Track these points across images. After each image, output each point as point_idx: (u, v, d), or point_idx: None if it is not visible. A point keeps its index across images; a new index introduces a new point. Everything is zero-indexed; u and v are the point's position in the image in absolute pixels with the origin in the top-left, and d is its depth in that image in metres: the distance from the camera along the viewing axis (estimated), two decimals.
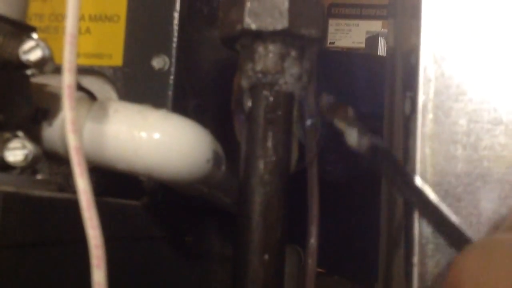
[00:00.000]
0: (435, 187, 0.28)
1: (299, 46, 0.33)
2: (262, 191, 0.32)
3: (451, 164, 0.28)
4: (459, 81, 0.29)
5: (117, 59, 0.44)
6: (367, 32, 1.87)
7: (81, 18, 0.45)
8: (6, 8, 0.30)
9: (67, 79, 0.26)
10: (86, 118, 0.34)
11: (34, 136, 0.33)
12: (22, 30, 0.31)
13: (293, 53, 0.33)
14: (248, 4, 0.32)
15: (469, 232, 0.27)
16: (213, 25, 0.50)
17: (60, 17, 0.46)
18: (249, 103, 0.33)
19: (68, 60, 0.26)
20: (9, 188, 0.25)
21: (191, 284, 0.50)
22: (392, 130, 0.46)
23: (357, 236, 0.81)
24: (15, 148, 0.29)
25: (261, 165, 0.33)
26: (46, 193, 0.28)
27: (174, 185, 0.39)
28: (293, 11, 0.32)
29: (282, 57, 0.33)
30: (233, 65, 0.55)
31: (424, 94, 0.28)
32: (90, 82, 0.43)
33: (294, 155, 0.35)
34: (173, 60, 0.44)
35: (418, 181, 0.28)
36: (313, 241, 0.36)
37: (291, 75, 0.33)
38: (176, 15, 0.44)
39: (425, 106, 0.28)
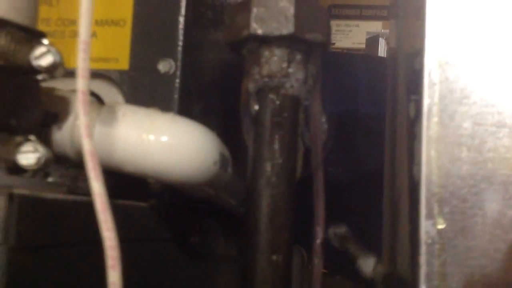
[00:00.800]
0: (440, 188, 0.28)
1: (304, 50, 0.34)
2: (270, 193, 0.33)
3: (456, 166, 0.28)
4: (463, 84, 0.29)
5: (124, 63, 0.45)
6: (368, 33, 1.87)
7: None
8: (17, 15, 0.31)
9: (81, 85, 0.27)
10: (96, 122, 0.34)
11: (44, 139, 0.34)
12: (33, 36, 0.31)
13: (299, 57, 0.34)
14: (254, 10, 0.33)
15: (475, 233, 0.28)
16: (217, 29, 0.51)
17: (66, 22, 0.47)
18: (256, 107, 0.34)
19: (81, 66, 0.27)
20: (24, 191, 0.25)
21: (196, 285, 0.50)
22: (394, 131, 0.47)
23: (360, 236, 0.82)
24: (27, 152, 0.30)
25: (268, 167, 0.33)
26: (59, 196, 0.29)
27: (182, 187, 0.39)
28: (299, 16, 0.33)
29: (288, 61, 0.34)
30: (237, 69, 0.55)
31: (429, 98, 0.29)
32: (97, 86, 0.44)
33: (300, 158, 0.36)
34: (179, 63, 0.44)
35: None
36: (319, 241, 0.37)
37: (296, 79, 0.34)
38: (181, 19, 0.44)
39: (430, 110, 0.29)
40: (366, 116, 0.87)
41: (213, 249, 0.54)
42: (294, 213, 0.33)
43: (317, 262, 0.38)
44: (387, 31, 1.88)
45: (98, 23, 0.45)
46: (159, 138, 0.36)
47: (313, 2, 0.34)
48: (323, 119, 0.37)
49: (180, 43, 0.44)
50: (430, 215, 0.28)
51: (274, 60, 0.33)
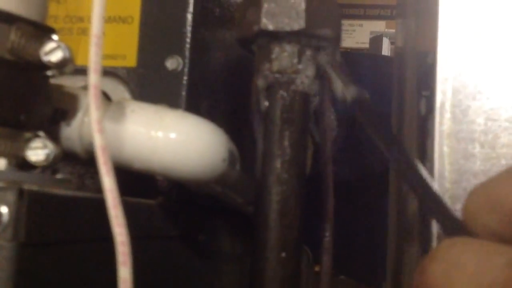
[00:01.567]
0: (453, 184, 0.28)
1: (315, 46, 0.34)
2: (279, 190, 0.33)
3: (469, 162, 0.28)
4: (477, 80, 0.29)
5: (131, 60, 0.45)
6: (371, 32, 1.87)
7: None
8: (27, 10, 0.30)
9: (93, 79, 0.26)
10: (104, 118, 0.34)
11: (53, 136, 0.34)
12: (43, 31, 0.31)
13: (309, 53, 0.34)
14: (265, 5, 0.33)
15: None
16: (224, 26, 0.51)
17: (74, 19, 0.46)
18: (265, 103, 0.34)
19: (93, 60, 0.26)
20: (34, 187, 0.25)
21: (203, 283, 0.50)
22: (401, 129, 0.46)
23: (364, 236, 0.82)
24: (36, 148, 0.30)
25: (278, 164, 0.33)
26: (69, 192, 0.28)
27: (190, 184, 0.39)
28: (310, 12, 0.33)
29: (299, 57, 0.33)
30: (245, 66, 0.55)
31: (442, 93, 0.29)
32: (105, 83, 0.44)
33: (310, 156, 0.36)
34: (187, 61, 0.44)
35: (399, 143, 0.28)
36: (328, 238, 0.37)
37: (306, 75, 0.34)
38: (189, 16, 0.44)
39: (442, 105, 0.29)
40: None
41: (219, 247, 0.54)
42: (303, 210, 0.33)
43: (326, 259, 0.37)
44: (391, 30, 1.88)
45: (106, 20, 0.45)
46: (168, 135, 0.35)
47: None
48: (333, 116, 0.37)
49: (188, 40, 0.44)
50: None
51: (284, 56, 0.33)
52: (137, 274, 0.33)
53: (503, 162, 0.28)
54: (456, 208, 0.28)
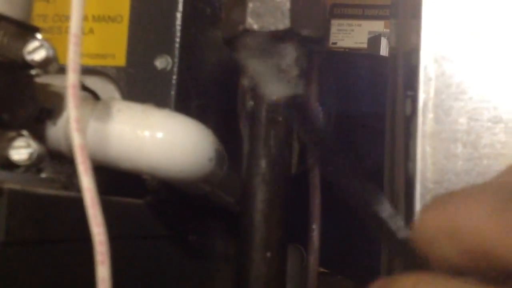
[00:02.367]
0: (435, 185, 0.28)
1: (300, 46, 0.34)
2: (265, 189, 0.33)
3: (451, 162, 0.28)
4: (459, 80, 0.29)
5: (121, 59, 0.45)
6: (370, 32, 1.87)
7: (85, 18, 0.45)
8: (10, 9, 0.30)
9: (71, 79, 0.26)
10: (90, 117, 0.34)
11: (39, 135, 0.34)
12: (27, 30, 0.31)
13: (294, 53, 0.34)
14: (250, 5, 0.33)
15: None
16: (215, 26, 0.50)
17: (63, 18, 0.46)
18: (251, 103, 0.34)
19: (72, 59, 0.26)
20: (14, 186, 0.25)
21: (194, 283, 0.50)
22: (394, 130, 0.46)
23: (360, 236, 0.82)
24: (19, 147, 0.30)
25: (263, 164, 0.33)
26: (51, 191, 0.28)
27: (177, 184, 0.39)
28: (295, 12, 0.33)
29: (284, 57, 0.33)
30: (235, 66, 0.55)
31: (425, 93, 0.29)
32: (94, 82, 0.44)
33: (296, 155, 0.36)
34: (176, 60, 0.44)
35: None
36: (314, 239, 0.37)
37: (292, 75, 0.34)
38: (178, 15, 0.44)
39: (425, 105, 0.29)
40: (367, 115, 0.87)
41: (211, 247, 0.54)
42: (289, 209, 0.33)
43: (313, 259, 0.37)
44: (389, 30, 1.87)
45: (95, 19, 0.45)
46: (154, 134, 0.35)
47: None
48: (320, 116, 0.37)
49: (178, 40, 0.44)
50: None
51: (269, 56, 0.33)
52: (126, 273, 0.33)
53: (485, 162, 0.28)
54: None
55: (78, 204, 0.29)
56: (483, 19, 0.29)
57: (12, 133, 0.30)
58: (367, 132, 0.88)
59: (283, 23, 0.32)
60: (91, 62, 0.44)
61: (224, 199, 0.47)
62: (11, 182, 0.26)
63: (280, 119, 0.33)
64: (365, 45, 1.83)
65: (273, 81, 0.29)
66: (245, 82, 0.34)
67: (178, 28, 0.44)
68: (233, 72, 0.54)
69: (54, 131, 0.35)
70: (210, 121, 0.41)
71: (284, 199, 0.33)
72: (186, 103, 0.45)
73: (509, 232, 0.16)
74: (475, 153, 0.28)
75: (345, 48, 1.83)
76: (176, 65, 0.44)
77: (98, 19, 0.45)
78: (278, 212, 0.33)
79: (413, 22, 0.31)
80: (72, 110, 0.26)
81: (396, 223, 0.21)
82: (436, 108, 0.28)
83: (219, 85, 0.51)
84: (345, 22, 1.90)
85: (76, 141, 0.26)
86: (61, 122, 0.35)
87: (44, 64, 0.30)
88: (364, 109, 0.89)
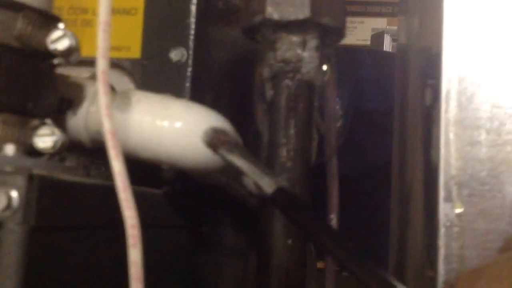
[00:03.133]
0: (459, 171, 0.28)
1: (320, 36, 0.34)
2: (285, 178, 0.33)
3: (475, 149, 0.28)
4: (483, 66, 0.29)
5: (136, 52, 0.45)
6: (373, 29, 1.87)
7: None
8: None
9: (101, 65, 0.27)
10: (111, 108, 0.34)
11: (59, 125, 0.34)
12: (49, 20, 0.31)
13: (314, 42, 0.34)
14: None
15: (494, 215, 0.28)
16: (228, 19, 0.51)
17: (78, 11, 0.46)
18: (270, 92, 0.34)
19: (101, 46, 0.26)
20: (43, 172, 0.25)
21: (205, 274, 0.50)
22: (404, 124, 0.47)
23: (366, 231, 0.82)
24: (44, 135, 0.30)
25: (283, 152, 0.33)
26: (78, 178, 0.29)
27: (195, 173, 0.39)
28: (315, 1, 0.33)
29: (303, 46, 0.34)
30: (248, 59, 0.55)
31: (447, 81, 0.29)
32: (109, 75, 0.44)
33: (315, 147, 0.36)
34: (191, 52, 0.44)
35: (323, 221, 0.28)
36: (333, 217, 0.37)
37: (311, 64, 0.34)
38: (193, 8, 0.44)
39: (448, 93, 0.29)
40: (372, 110, 0.87)
41: (222, 240, 0.54)
42: (309, 198, 0.33)
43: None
44: (393, 27, 1.87)
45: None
46: (173, 124, 0.36)
47: None
48: (338, 106, 0.37)
49: (192, 32, 0.44)
50: (448, 198, 0.28)
51: (289, 46, 0.33)
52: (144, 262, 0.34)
53: (509, 148, 0.28)
54: (463, 194, 0.28)
55: (103, 191, 0.29)
56: (505, 8, 0.29)
57: (36, 121, 0.30)
58: (372, 128, 0.88)
59: (303, 12, 0.33)
60: None
61: (238, 190, 0.48)
62: (38, 168, 0.26)
63: (300, 108, 0.33)
64: (368, 42, 1.83)
65: None
66: (264, 71, 0.34)
67: (193, 20, 0.44)
68: (246, 64, 0.54)
69: (74, 122, 0.35)
70: (223, 113, 0.41)
71: (305, 186, 0.33)
72: (200, 95, 0.45)
73: None
74: (499, 140, 0.28)
75: (348, 46, 1.83)
76: (191, 57, 0.44)
77: (113, 11, 0.44)
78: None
79: (433, 15, 0.31)
80: (102, 96, 0.26)
81: None
82: (459, 95, 0.29)
83: (232, 78, 0.51)
84: (347, 19, 1.90)
85: (107, 126, 0.26)
86: (81, 112, 0.36)
87: (67, 54, 0.30)
88: (369, 105, 0.90)
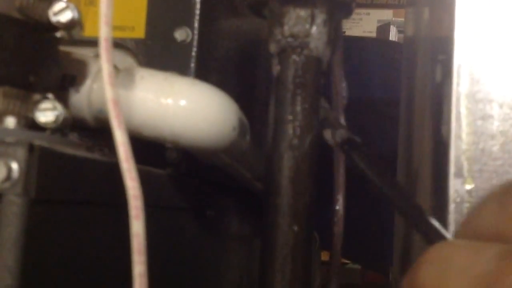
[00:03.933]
0: (470, 146, 0.28)
1: (329, 10, 0.33)
2: (291, 156, 0.32)
3: (486, 123, 0.28)
4: (494, 40, 0.28)
5: (140, 32, 0.44)
6: (378, 21, 1.86)
7: None
8: None
9: (104, 32, 0.26)
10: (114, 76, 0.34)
11: (61, 102, 0.33)
12: None
13: (322, 18, 0.33)
14: None
15: None
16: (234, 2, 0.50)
17: None
18: (277, 68, 0.33)
19: (104, 13, 0.26)
20: (45, 144, 0.25)
21: (210, 258, 0.50)
22: (411, 112, 0.46)
23: (371, 222, 0.81)
24: (46, 109, 0.29)
25: (290, 129, 0.32)
26: (80, 152, 0.28)
27: (200, 153, 0.39)
28: None
29: (311, 22, 0.33)
30: (253, 40, 0.55)
31: (460, 55, 0.28)
32: (113, 55, 0.43)
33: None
34: (196, 32, 0.43)
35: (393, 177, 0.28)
36: (340, 209, 0.36)
37: (319, 40, 0.33)
38: None
39: (460, 67, 0.28)
40: (377, 100, 0.87)
41: (227, 225, 0.54)
42: (317, 176, 0.32)
43: (337, 231, 0.37)
44: (399, 19, 1.86)
45: None
46: (178, 102, 0.35)
47: None
48: (344, 84, 0.36)
49: (197, 12, 0.43)
50: (459, 174, 0.28)
51: (297, 20, 0.33)
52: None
53: None
54: (474, 169, 0.28)
55: (106, 167, 0.29)
56: None
57: (38, 96, 0.30)
58: (378, 117, 0.88)
59: None
60: None
61: (242, 173, 0.47)
62: (40, 141, 0.26)
63: (308, 84, 0.32)
64: (374, 34, 1.82)
65: None
66: (272, 47, 0.33)
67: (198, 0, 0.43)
68: (251, 47, 0.54)
69: (77, 99, 0.35)
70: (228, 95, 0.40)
71: (312, 165, 0.32)
72: (205, 76, 0.44)
73: None
74: (511, 114, 0.28)
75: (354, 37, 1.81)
76: (195, 37, 0.43)
77: None
78: (305, 179, 0.32)
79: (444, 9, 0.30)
80: (104, 63, 0.26)
81: None
82: (471, 68, 0.28)
83: (237, 60, 0.51)
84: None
85: (109, 94, 0.25)
86: (84, 89, 0.35)
87: (70, 26, 0.30)
88: (374, 94, 0.89)
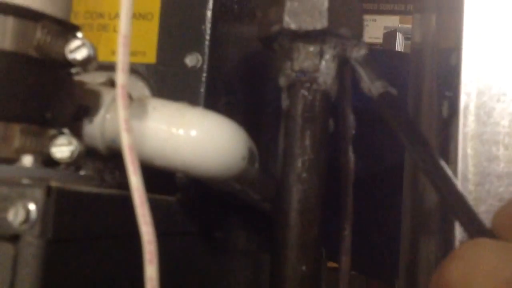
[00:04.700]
0: (476, 187, 0.28)
1: (337, 46, 0.34)
2: (300, 189, 0.33)
3: (493, 165, 0.28)
4: (501, 81, 0.29)
5: (151, 57, 0.45)
6: (385, 28, 1.86)
7: (116, 16, 0.45)
8: (52, 8, 0.31)
9: (121, 79, 0.27)
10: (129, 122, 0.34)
11: (75, 132, 0.34)
12: (68, 29, 0.31)
13: (331, 53, 0.34)
14: (288, 4, 0.33)
15: None
16: (242, 23, 0.51)
17: (94, 15, 0.47)
18: (286, 102, 0.34)
19: (121, 60, 0.27)
20: (61, 184, 0.25)
21: (218, 279, 0.50)
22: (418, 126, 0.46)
23: (376, 232, 0.82)
24: (61, 145, 0.30)
25: (299, 163, 0.33)
26: (93, 189, 0.29)
27: (210, 182, 0.39)
28: (333, 11, 0.33)
29: (320, 57, 0.33)
30: (261, 64, 0.55)
31: (466, 95, 0.29)
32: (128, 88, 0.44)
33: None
34: (206, 57, 0.44)
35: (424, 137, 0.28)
36: (347, 236, 0.37)
37: (328, 75, 0.34)
38: (209, 13, 0.44)
39: (466, 107, 0.29)
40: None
41: (234, 243, 0.54)
42: (324, 209, 0.33)
43: (345, 259, 0.37)
44: (405, 25, 1.87)
45: None
46: (189, 132, 0.36)
47: None
48: (352, 116, 0.37)
49: (208, 37, 0.44)
50: None
51: (306, 55, 0.33)
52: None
53: None
54: (480, 210, 0.28)
55: (120, 201, 0.29)
56: None
57: (53, 131, 0.30)
58: (384, 129, 0.88)
59: (321, 23, 0.32)
60: None
61: (252, 196, 0.48)
62: (56, 180, 0.26)
63: (317, 118, 0.33)
64: (380, 40, 1.82)
65: None
66: (281, 80, 0.34)
67: (208, 25, 0.44)
68: (259, 70, 0.54)
69: (90, 129, 0.36)
70: (237, 118, 0.41)
71: (319, 198, 0.33)
72: (214, 100, 0.45)
73: None
74: None
75: None
76: (205, 62, 0.44)
77: None
78: (314, 212, 0.33)
79: (452, 18, 0.30)
80: (121, 110, 0.26)
81: None
82: (478, 109, 0.28)
83: (245, 82, 0.51)
84: None
85: (125, 141, 0.26)
86: (97, 119, 0.36)
87: (86, 63, 0.31)
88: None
